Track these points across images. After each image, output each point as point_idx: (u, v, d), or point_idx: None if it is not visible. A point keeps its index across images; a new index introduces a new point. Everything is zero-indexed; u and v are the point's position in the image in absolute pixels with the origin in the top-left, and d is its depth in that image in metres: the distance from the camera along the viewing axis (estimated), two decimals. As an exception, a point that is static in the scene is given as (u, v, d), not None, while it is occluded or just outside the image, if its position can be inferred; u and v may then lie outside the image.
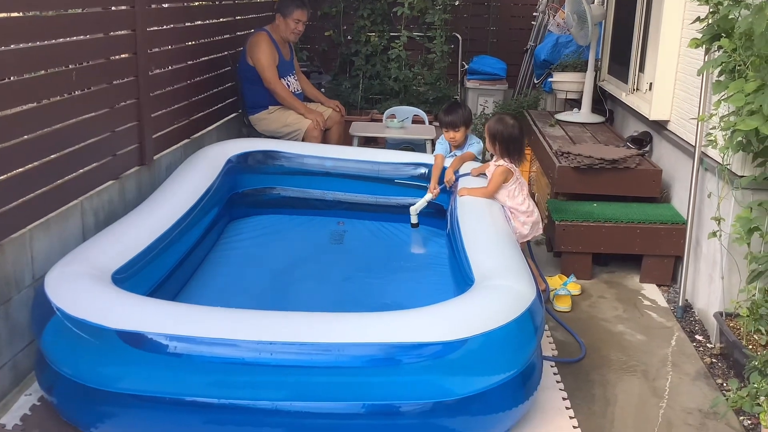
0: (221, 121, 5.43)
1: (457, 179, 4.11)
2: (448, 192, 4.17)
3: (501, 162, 3.76)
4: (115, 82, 3.72)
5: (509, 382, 2.54)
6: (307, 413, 2.42)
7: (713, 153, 3.52)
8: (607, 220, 4.10)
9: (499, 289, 2.71)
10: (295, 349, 2.37)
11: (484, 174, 3.96)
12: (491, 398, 2.51)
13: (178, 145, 4.60)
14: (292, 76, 5.48)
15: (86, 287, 2.62)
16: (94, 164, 3.51)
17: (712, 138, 3.39)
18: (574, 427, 2.76)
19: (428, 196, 4.21)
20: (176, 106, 4.53)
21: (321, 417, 2.44)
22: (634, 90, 5.19)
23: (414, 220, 4.25)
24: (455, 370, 2.43)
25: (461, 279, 3.10)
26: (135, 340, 2.41)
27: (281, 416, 2.42)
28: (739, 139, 3.16)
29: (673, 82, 4.41)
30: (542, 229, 3.84)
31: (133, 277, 2.93)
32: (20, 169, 2.94)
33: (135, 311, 2.51)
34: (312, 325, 2.46)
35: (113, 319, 2.45)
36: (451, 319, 2.49)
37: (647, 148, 4.74)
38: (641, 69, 5.08)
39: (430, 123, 6.30)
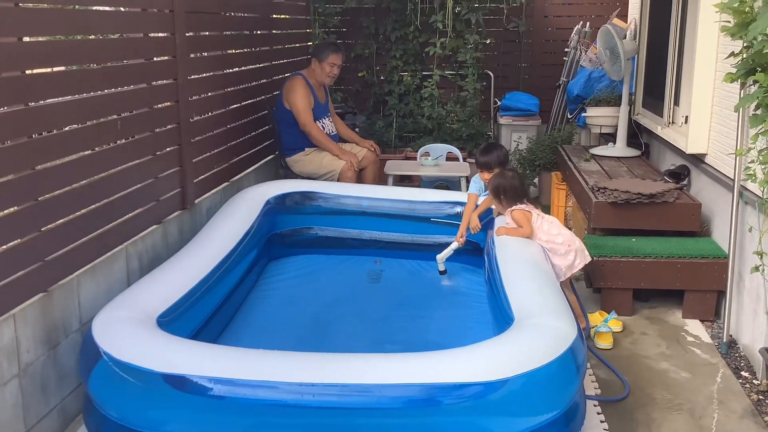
0: (259, 164, 5.54)
1: (491, 219, 4.12)
2: (483, 230, 4.17)
3: (514, 208, 3.82)
4: (157, 130, 3.83)
5: (552, 422, 2.52)
6: (349, 455, 2.43)
7: (753, 186, 3.49)
8: (647, 255, 4.07)
9: (539, 328, 2.70)
10: (336, 391, 2.39)
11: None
12: (535, 439, 2.49)
13: (218, 188, 4.70)
14: (327, 118, 5.58)
15: (132, 331, 2.67)
16: (138, 210, 3.60)
17: (751, 172, 3.36)
18: (620, 468, 2.72)
19: (454, 245, 4.23)
20: (216, 150, 4.64)
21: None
22: (669, 123, 5.17)
23: (441, 267, 4.30)
24: (497, 410, 2.42)
25: (501, 318, 3.09)
26: (179, 383, 2.45)
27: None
28: (779, 172, 3.13)
29: (709, 115, 4.39)
30: (588, 257, 3.80)
31: (178, 319, 2.98)
32: (69, 217, 3.03)
33: (179, 354, 2.55)
34: (352, 366, 2.47)
35: (158, 363, 2.50)
36: (491, 359, 2.49)
37: (685, 182, 4.71)
38: (676, 102, 5.07)
39: (464, 160, 6.34)
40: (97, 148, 3.27)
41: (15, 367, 2.61)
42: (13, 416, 2.60)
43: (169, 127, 3.96)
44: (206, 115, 4.53)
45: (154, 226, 3.76)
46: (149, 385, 2.48)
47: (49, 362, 2.83)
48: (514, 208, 3.84)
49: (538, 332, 2.67)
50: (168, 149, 3.94)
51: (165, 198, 3.89)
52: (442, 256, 4.26)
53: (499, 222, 3.99)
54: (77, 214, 3.09)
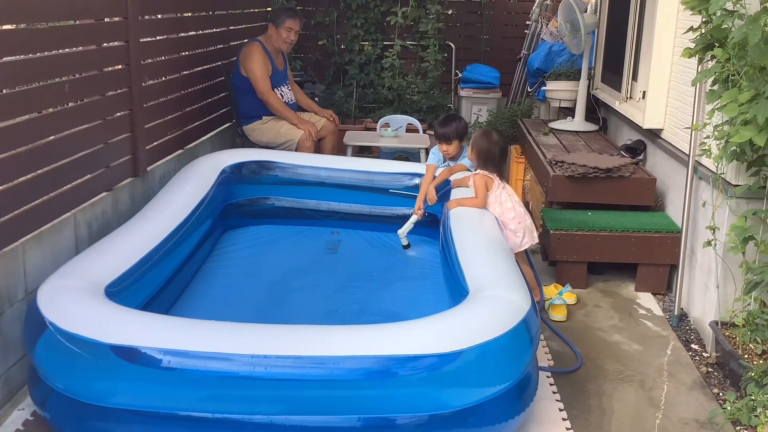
0: (215, 132, 5.43)
1: (448, 190, 4.11)
2: (440, 202, 4.16)
3: (479, 172, 3.79)
4: (108, 94, 3.71)
5: (505, 393, 2.53)
6: (303, 427, 2.41)
7: (707, 162, 3.53)
8: (602, 229, 4.10)
9: (493, 300, 2.70)
10: (289, 363, 2.35)
11: (466, 187, 3.97)
12: (487, 410, 2.50)
13: (172, 156, 4.59)
14: (286, 86, 5.47)
15: (79, 301, 2.59)
16: (88, 176, 3.49)
17: (706, 147, 3.40)
18: (571, 438, 2.75)
19: (413, 218, 4.21)
20: (169, 116, 4.53)
21: (316, 431, 2.42)
22: (627, 98, 5.20)
23: (404, 242, 4.27)
24: (451, 382, 2.42)
25: (455, 290, 3.09)
26: (128, 354, 2.38)
27: (277, 430, 2.41)
28: (733, 148, 3.16)
29: (667, 90, 4.42)
30: (537, 238, 3.83)
31: (127, 290, 2.90)
32: (13, 182, 2.92)
33: (128, 325, 2.49)
34: (306, 338, 2.44)
35: (106, 334, 2.43)
36: (446, 331, 2.47)
37: (641, 157, 4.75)
38: (634, 78, 5.09)
39: (424, 132, 6.30)
40: (43, 111, 3.14)
41: (-45, 337, 2.52)
42: (-47, 387, 2.51)
43: (120, 91, 3.84)
44: (159, 80, 4.41)
45: (104, 194, 3.66)
46: (96, 356, 2.41)
47: (-8, 332, 2.74)
48: (478, 172, 3.81)
49: (492, 304, 2.67)
50: (119, 114, 3.83)
51: (116, 164, 3.78)
52: (403, 231, 4.24)
53: (455, 195, 3.98)
54: (22, 179, 2.98)
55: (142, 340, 2.41)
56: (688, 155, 3.72)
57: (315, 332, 2.50)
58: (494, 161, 3.79)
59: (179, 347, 2.39)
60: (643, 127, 4.58)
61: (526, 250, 3.91)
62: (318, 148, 5.47)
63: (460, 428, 2.49)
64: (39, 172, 3.09)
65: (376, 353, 2.38)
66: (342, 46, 7.59)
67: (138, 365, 2.38)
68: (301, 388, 2.36)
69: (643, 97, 4.70)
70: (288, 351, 2.37)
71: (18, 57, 2.96)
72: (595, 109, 5.88)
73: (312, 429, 2.42)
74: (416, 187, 4.50)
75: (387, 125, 6.13)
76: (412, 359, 2.37)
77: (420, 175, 4.51)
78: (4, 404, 2.78)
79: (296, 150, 5.17)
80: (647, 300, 4.04)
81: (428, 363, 2.38)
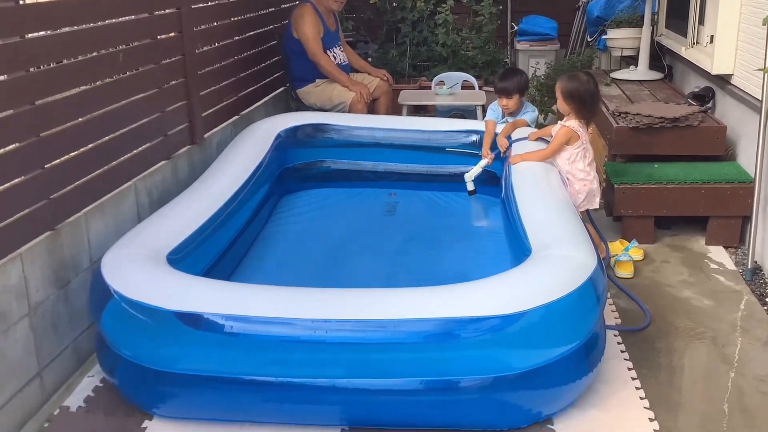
0: (269, 97, 5.41)
1: (510, 145, 4.00)
2: (502, 158, 4.06)
3: (569, 123, 3.58)
4: (162, 62, 3.71)
5: (572, 354, 2.47)
6: (366, 390, 2.40)
7: (783, 107, 3.33)
8: (670, 182, 3.94)
9: (558, 259, 2.62)
10: (350, 327, 2.34)
11: (544, 139, 3.84)
12: (553, 371, 2.44)
13: (228, 122, 4.59)
14: (338, 48, 5.40)
15: (142, 269, 2.63)
16: (146, 145, 3.52)
17: (782, 91, 3.21)
18: (641, 398, 2.67)
19: (482, 162, 4.10)
20: (224, 83, 4.52)
21: (379, 394, 2.41)
22: (693, 44, 4.95)
23: (470, 187, 4.15)
24: (515, 343, 2.36)
25: (518, 249, 3.01)
26: (192, 320, 2.40)
27: (339, 393, 2.40)
28: (812, 91, 2.97)
29: (736, 33, 4.19)
30: (598, 203, 3.68)
31: (189, 257, 2.93)
32: (73, 153, 2.96)
33: (191, 292, 2.51)
34: (367, 301, 2.42)
35: (170, 301, 2.45)
36: (509, 292, 2.42)
37: (710, 105, 4.53)
38: (701, 21, 4.84)
39: (480, 88, 6.16)
40: (99, 82, 3.16)
41: (24, 306, 2.58)
42: (25, 355, 2.58)
43: (174, 58, 3.84)
44: (213, 46, 4.39)
45: (163, 162, 3.69)
46: (161, 323, 2.44)
47: (60, 301, 2.80)
48: (566, 123, 3.57)
49: (556, 263, 2.59)
50: (173, 82, 3.83)
51: (173, 133, 3.80)
52: (470, 175, 4.12)
53: (516, 150, 3.87)
54: (82, 150, 3.02)
55: (205, 306, 2.42)
56: (761, 101, 3.51)
57: (375, 295, 2.47)
58: (590, 104, 3.55)
59: (242, 313, 2.40)
60: (712, 73, 4.36)
61: (588, 210, 3.79)
62: (372, 109, 5.41)
63: (525, 390, 2.44)
64: (98, 142, 3.12)
65: (436, 315, 2.33)
66: (394, 4, 7.43)
67: (202, 331, 2.40)
68: (363, 352, 2.35)
69: (711, 41, 4.47)
70: (349, 315, 2.36)
71: (72, 28, 2.97)
72: (660, 56, 5.63)
73: (375, 392, 2.40)
74: (474, 145, 4.41)
75: (442, 83, 6.01)
76: (474, 321, 2.33)
77: (478, 132, 4.41)
78: (74, 372, 2.86)
79: (349, 113, 5.12)
80: (719, 254, 3.88)
81: (491, 325, 2.33)
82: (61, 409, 2.63)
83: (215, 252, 3.23)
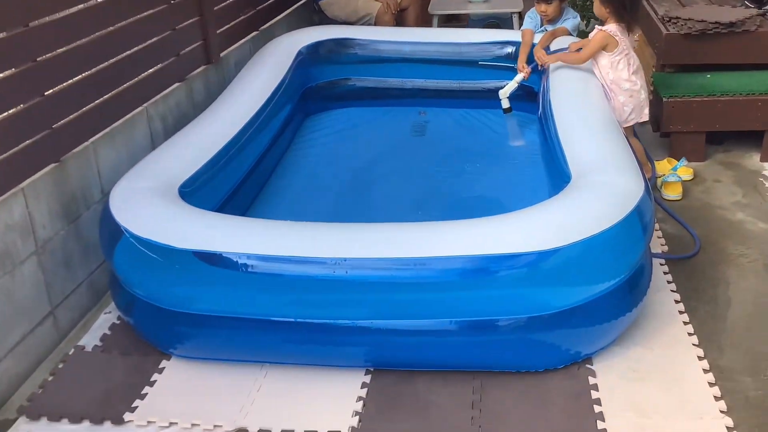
0: (291, 9, 5.10)
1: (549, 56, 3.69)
2: (539, 72, 3.75)
3: (608, 27, 3.27)
4: (170, -24, 3.45)
5: (614, 291, 2.27)
6: (389, 330, 2.25)
7: None
8: (723, 93, 3.62)
9: (600, 186, 2.38)
10: (371, 264, 2.17)
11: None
12: (593, 309, 2.25)
13: (246, 38, 4.34)
14: (359, -48, 5.02)
15: (152, 204, 2.46)
16: (157, 66, 3.30)
17: None
18: (690, 333, 2.47)
19: (519, 77, 3.80)
20: (240, -4, 4.23)
21: (406, 335, 2.25)
22: (754, -63, 4.48)
23: (505, 104, 3.85)
24: (551, 281, 2.17)
25: (557, 174, 2.77)
26: (206, 260, 2.24)
27: (362, 334, 2.26)
28: None
29: (805, -77, 3.74)
30: (647, 116, 3.38)
31: (202, 189, 2.76)
32: (77, 78, 2.76)
33: (203, 229, 2.34)
34: (388, 238, 2.23)
35: (181, 239, 2.29)
36: (544, 226, 2.20)
37: (769, 6, 4.13)
38: None
39: (517, -7, 5.74)
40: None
41: (31, 244, 2.45)
42: (35, 294, 2.46)
43: (184, -29, 3.57)
44: (226, -45, 4.09)
45: (177, 84, 3.48)
46: (173, 262, 2.29)
47: (71, 236, 2.67)
48: (604, 27, 3.28)
49: (598, 191, 2.36)
50: (184, -3, 3.57)
51: (186, 52, 3.57)
52: (505, 91, 3.82)
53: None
54: (86, 73, 2.82)
55: (218, 245, 2.26)
56: (833, 1, 3.14)
57: (399, 231, 2.28)
58: (630, 6, 3.25)
59: (257, 251, 2.23)
60: (774, -29, 3.94)
61: (633, 124, 3.50)
62: (400, 21, 5.08)
63: (563, 329, 2.26)
64: (103, 65, 2.92)
65: (466, 253, 2.14)
66: None
67: (216, 270, 2.25)
68: (386, 292, 2.18)
69: (775, -66, 4.02)
70: (369, 253, 2.18)
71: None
72: (714, -47, 5.14)
73: (401, 332, 2.25)
74: (510, 58, 4.10)
75: (476, -11, 5.61)
76: (507, 258, 2.13)
77: (514, 43, 4.09)
78: (91, 308, 2.75)
79: (375, 24, 4.80)
80: (775, 171, 3.59)
81: (526, 261, 2.13)
82: (76, 348, 2.53)
83: (232, 183, 3.05)
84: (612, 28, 3.26)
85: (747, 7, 4.10)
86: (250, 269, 2.22)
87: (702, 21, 3.78)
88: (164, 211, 2.43)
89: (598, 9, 3.33)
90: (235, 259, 2.23)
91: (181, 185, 2.61)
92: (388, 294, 2.19)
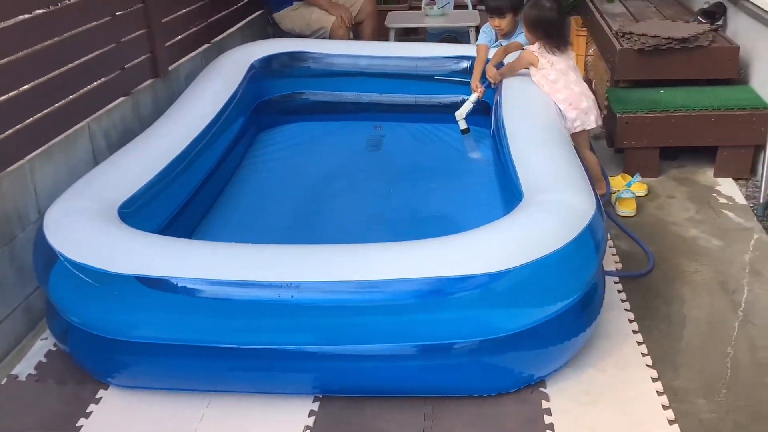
0: (244, 22, 5.01)
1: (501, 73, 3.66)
2: (493, 89, 3.72)
3: (531, 46, 3.43)
4: (115, -14, 3.34)
5: (566, 311, 2.22)
6: (336, 355, 2.17)
7: (806, 25, 2.99)
8: (677, 109, 3.62)
9: (551, 205, 2.34)
10: (316, 288, 2.09)
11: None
12: (546, 331, 2.20)
13: (198, 51, 4.23)
14: (314, -35, 4.95)
15: (89, 226, 2.35)
16: (100, 80, 3.19)
17: (806, 7, 2.86)
18: (643, 354, 2.44)
19: (473, 97, 3.77)
20: (191, 7, 4.13)
21: (354, 360, 2.18)
22: (705, -46, 4.53)
23: (462, 125, 3.82)
24: (502, 303, 2.11)
25: (509, 191, 2.73)
26: (145, 285, 2.15)
27: (309, 360, 2.18)
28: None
29: (753, -60, 3.78)
30: (594, 122, 3.36)
31: (145, 208, 2.65)
32: (12, 92, 2.64)
33: (143, 253, 2.24)
34: (337, 259, 2.16)
35: (119, 263, 2.19)
36: (495, 247, 2.15)
37: (720, 22, 4.16)
38: (714, -72, 4.40)
39: (474, 7, 5.74)
40: (41, 10, 2.81)
41: (-41, 269, 2.33)
42: (-35, 323, 2.34)
43: (130, -18, 3.46)
44: (175, -33, 3.99)
45: (122, 98, 3.36)
46: (111, 288, 2.18)
47: (5, 259, 2.54)
48: (528, 47, 3.45)
49: (549, 211, 2.31)
50: (130, 9, 3.46)
51: (132, 65, 3.46)
52: (460, 113, 3.79)
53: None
54: (24, 87, 2.70)
55: (156, 269, 2.16)
56: (781, 18, 3.17)
57: (344, 253, 2.20)
58: (551, 31, 3.34)
59: (200, 275, 2.14)
60: (724, -13, 3.98)
61: (589, 138, 3.49)
62: (357, 34, 5.02)
63: (517, 351, 2.21)
64: (42, 79, 2.80)
65: (415, 275, 2.07)
66: None
67: (155, 295, 2.15)
68: (331, 316, 2.11)
69: (725, -50, 4.06)
70: (314, 276, 2.10)
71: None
72: (667, -31, 5.19)
73: (349, 358, 2.17)
74: (466, 72, 4.07)
75: (433, 2, 5.60)
76: (457, 280, 2.07)
77: (471, 58, 4.06)
78: (27, 334, 2.62)
79: (330, 38, 4.74)
80: (728, 187, 3.60)
81: (476, 284, 2.07)
82: (9, 378, 2.40)
83: (177, 202, 2.93)
84: (534, 47, 3.40)
85: (700, 22, 4.14)
86: (191, 294, 2.13)
87: (655, 36, 3.80)
88: (101, 234, 2.33)
89: (527, 34, 3.45)
90: (175, 284, 2.14)
91: (121, 205, 2.51)
92: (334, 318, 2.11)
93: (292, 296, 2.08)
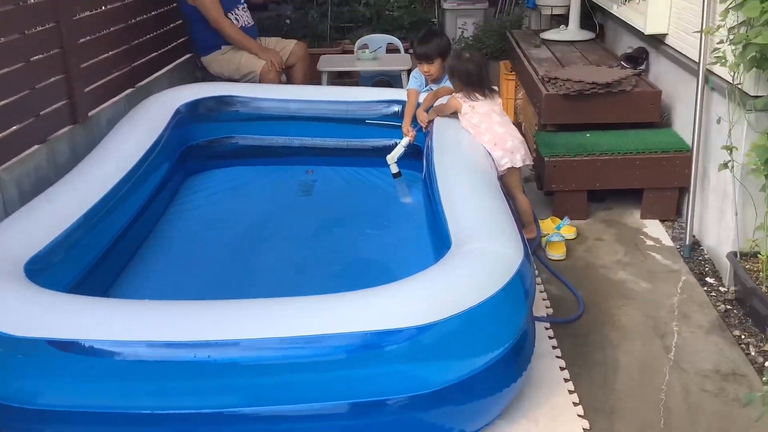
0: (172, 65, 4.91)
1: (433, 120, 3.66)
2: (425, 133, 3.71)
3: (455, 94, 3.51)
4: (29, 31, 3.21)
5: (496, 362, 2.16)
6: (256, 417, 2.05)
7: (721, 71, 3.07)
8: (603, 153, 3.67)
9: (479, 254, 2.30)
10: (233, 347, 1.99)
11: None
12: (477, 383, 2.13)
13: (121, 96, 4.11)
14: (241, 8, 4.87)
15: (-9, 285, 2.20)
16: (13, 128, 3.05)
17: (720, 54, 2.94)
18: (575, 403, 2.40)
19: (404, 141, 3.76)
20: (113, 52, 4.02)
21: (274, 422, 2.06)
22: (626, 1, 4.66)
23: (394, 169, 3.80)
24: (429, 357, 2.05)
25: (439, 237, 2.68)
26: (52, 348, 2.00)
27: (228, 423, 2.05)
28: (753, 54, 2.71)
29: (671, -11, 3.90)
30: (521, 160, 3.39)
31: (55, 265, 2.50)
32: None
33: (50, 314, 2.10)
34: (254, 316, 2.06)
35: (24, 326, 2.05)
36: (421, 299, 2.09)
37: (643, 67, 4.27)
38: (634, -23, 4.54)
39: (406, 51, 5.78)
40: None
41: None
42: None
43: (47, 26, 3.34)
44: (95, 11, 3.87)
45: (37, 146, 3.22)
46: (15, 352, 2.04)
47: None
48: (453, 95, 3.52)
49: (477, 259, 2.27)
50: (46, 54, 3.33)
51: (48, 112, 3.33)
52: (392, 156, 3.77)
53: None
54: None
55: (62, 331, 2.03)
56: (698, 63, 3.25)
57: (264, 308, 2.11)
58: (472, 80, 3.42)
59: (108, 337, 2.02)
60: (645, 33, 4.07)
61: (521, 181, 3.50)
62: (289, 78, 4.98)
63: (446, 406, 2.13)
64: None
65: (336, 330, 1.99)
66: (313, -40, 6.95)
67: (63, 360, 2.01)
68: (250, 375, 2.00)
69: (645, -2, 4.18)
70: (231, 334, 2.00)
71: None
72: (591, 14, 5.34)
73: (268, 419, 2.06)
74: (397, 116, 4.06)
75: (365, 46, 5.61)
76: (382, 335, 1.99)
77: (400, 102, 4.05)
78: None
79: (260, 82, 4.67)
80: (655, 228, 3.65)
81: (400, 338, 2.00)
82: None
83: (92, 256, 2.79)
84: (458, 94, 3.49)
85: (623, 67, 4.22)
86: (101, 357, 2.00)
87: (580, 81, 3.86)
88: (4, 294, 2.17)
89: (451, 83, 3.57)
90: (85, 346, 2.01)
91: (27, 262, 2.36)
92: (256, 378, 2.00)
93: (209, 356, 1.97)
